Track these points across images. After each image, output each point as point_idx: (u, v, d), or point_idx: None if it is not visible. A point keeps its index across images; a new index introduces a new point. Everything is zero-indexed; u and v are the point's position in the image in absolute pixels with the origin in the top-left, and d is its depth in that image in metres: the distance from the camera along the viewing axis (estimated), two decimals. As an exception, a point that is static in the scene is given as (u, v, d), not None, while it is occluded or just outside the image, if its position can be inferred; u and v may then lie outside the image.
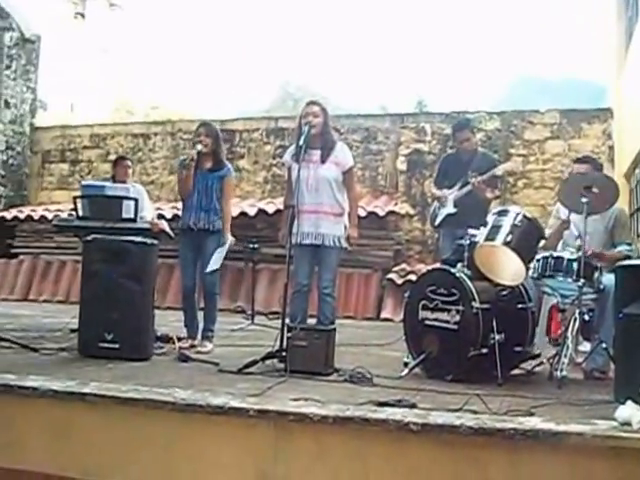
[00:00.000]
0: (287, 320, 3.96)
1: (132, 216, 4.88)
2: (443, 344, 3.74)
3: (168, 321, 5.39)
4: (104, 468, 3.02)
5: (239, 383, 3.41)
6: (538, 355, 3.97)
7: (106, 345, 4.06)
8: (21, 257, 9.51)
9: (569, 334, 3.63)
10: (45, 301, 8.81)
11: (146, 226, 5.04)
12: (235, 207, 8.51)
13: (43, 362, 3.94)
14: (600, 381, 3.73)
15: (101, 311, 4.10)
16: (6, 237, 9.70)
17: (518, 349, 3.83)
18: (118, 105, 14.06)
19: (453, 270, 3.85)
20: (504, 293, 3.89)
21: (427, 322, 3.83)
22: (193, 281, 4.69)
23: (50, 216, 8.77)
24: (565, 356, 3.57)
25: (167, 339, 4.66)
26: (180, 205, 5.04)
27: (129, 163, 5.88)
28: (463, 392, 3.20)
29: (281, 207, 5.92)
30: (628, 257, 3.95)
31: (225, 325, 5.80)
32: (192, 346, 4.57)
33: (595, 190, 3.77)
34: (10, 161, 10.25)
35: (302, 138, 4.24)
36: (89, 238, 4.37)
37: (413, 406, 2.88)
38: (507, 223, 3.78)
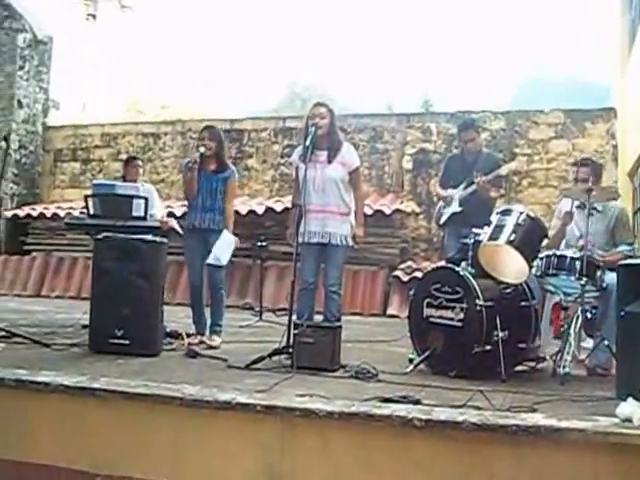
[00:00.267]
0: (294, 317, 4.01)
1: (142, 214, 4.95)
2: (447, 341, 3.77)
3: (178, 317, 5.46)
4: (113, 462, 3.08)
5: (247, 379, 3.46)
6: (542, 355, 4.00)
7: (116, 341, 4.12)
8: (34, 254, 9.64)
9: (571, 331, 3.65)
10: (57, 297, 8.92)
11: (156, 224, 5.11)
12: (244, 205, 8.60)
13: (55, 357, 4.00)
14: (603, 378, 3.75)
15: (112, 308, 4.16)
16: (19, 234, 9.83)
17: (521, 346, 3.87)
18: (129, 105, 14.16)
19: (457, 268, 3.89)
20: (508, 291, 3.93)
21: (432, 319, 3.87)
22: (200, 279, 4.76)
23: (62, 214, 8.89)
24: (568, 353, 3.59)
25: (176, 335, 4.73)
26: (189, 203, 5.11)
27: (140, 163, 5.95)
28: (467, 388, 3.24)
29: (289, 205, 5.97)
30: (629, 257, 3.98)
31: (233, 321, 5.86)
32: (201, 342, 4.63)
33: (595, 194, 3.84)
34: (23, 160, 10.37)
35: (309, 139, 4.29)
36: (100, 236, 4.44)
37: (417, 402, 2.92)
38: (511, 222, 3.82)
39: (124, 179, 5.75)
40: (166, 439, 3.03)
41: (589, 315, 3.78)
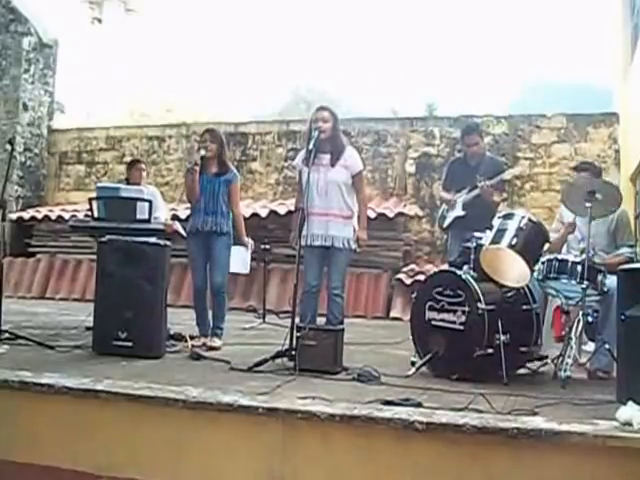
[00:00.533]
0: (297, 320, 4.03)
1: (146, 217, 4.96)
2: (449, 344, 3.79)
3: (182, 319, 5.48)
4: (116, 463, 3.09)
5: (249, 381, 3.47)
6: (545, 357, 4.01)
7: (120, 343, 4.14)
8: (38, 256, 9.67)
9: (573, 335, 3.67)
10: (61, 299, 8.94)
11: (160, 227, 5.13)
12: (247, 208, 8.62)
13: (58, 359, 4.02)
14: (603, 381, 3.75)
15: (115, 310, 4.18)
16: (24, 237, 9.86)
17: (523, 349, 3.88)
18: (133, 108, 14.21)
19: (459, 272, 3.91)
20: (509, 294, 3.94)
21: (434, 322, 3.89)
22: (204, 282, 4.78)
23: (67, 216, 8.91)
24: (569, 356, 3.60)
25: (180, 337, 4.76)
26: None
27: (143, 166, 5.97)
28: (469, 391, 3.25)
29: (292, 208, 5.98)
30: (630, 259, 3.99)
31: (237, 324, 5.89)
32: (204, 344, 4.65)
33: (599, 196, 3.81)
34: (28, 162, 10.42)
35: (312, 142, 4.32)
36: (104, 239, 4.46)
37: (419, 405, 2.93)
38: (512, 226, 3.83)
39: (127, 182, 5.77)
40: (169, 441, 3.05)
41: (590, 319, 3.79)
